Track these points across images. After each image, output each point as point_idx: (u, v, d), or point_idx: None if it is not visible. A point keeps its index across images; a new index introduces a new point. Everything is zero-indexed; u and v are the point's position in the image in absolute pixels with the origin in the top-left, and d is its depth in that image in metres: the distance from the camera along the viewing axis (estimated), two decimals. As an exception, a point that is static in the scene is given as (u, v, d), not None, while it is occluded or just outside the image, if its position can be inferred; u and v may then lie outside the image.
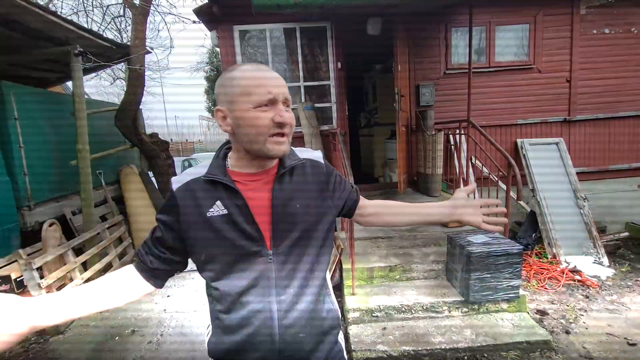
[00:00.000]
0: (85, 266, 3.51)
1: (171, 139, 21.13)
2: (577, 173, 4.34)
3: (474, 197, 0.88)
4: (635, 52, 4.58)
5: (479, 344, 2.34)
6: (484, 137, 3.61)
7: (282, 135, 0.76)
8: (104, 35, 4.58)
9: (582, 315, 2.81)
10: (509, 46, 4.59)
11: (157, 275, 0.84)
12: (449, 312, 2.68)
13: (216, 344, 0.84)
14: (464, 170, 4.04)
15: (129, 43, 4.66)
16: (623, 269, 3.60)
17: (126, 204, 5.08)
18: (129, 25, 5.61)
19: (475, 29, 4.24)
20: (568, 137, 4.66)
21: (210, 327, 0.88)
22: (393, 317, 2.65)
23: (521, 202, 4.28)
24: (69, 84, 5.74)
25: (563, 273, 3.47)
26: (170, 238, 0.81)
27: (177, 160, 7.76)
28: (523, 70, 4.58)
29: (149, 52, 5.05)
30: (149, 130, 6.16)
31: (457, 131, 4.16)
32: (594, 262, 3.71)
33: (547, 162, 4.41)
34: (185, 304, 3.28)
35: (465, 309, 2.68)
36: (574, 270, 3.53)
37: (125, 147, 5.28)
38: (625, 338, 2.47)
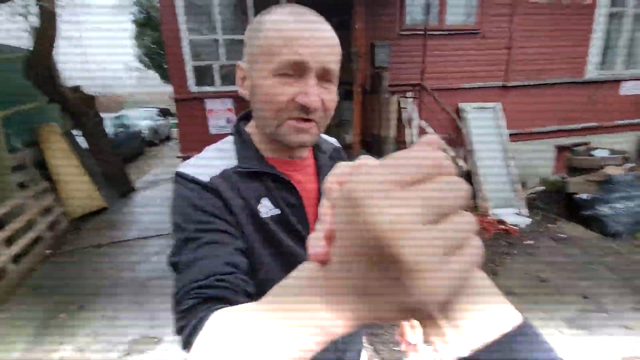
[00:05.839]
0: (11, 241, 3.10)
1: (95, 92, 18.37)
2: (510, 135, 4.82)
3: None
4: (565, 23, 4.99)
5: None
6: (433, 100, 3.77)
7: (306, 120, 0.55)
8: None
9: (506, 258, 3.31)
10: (460, 11, 4.68)
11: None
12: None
13: None
14: (415, 132, 4.24)
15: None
16: (537, 218, 4.25)
17: (50, 169, 4.46)
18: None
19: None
20: (505, 101, 5.07)
21: None
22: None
23: (461, 162, 4.68)
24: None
25: (491, 224, 3.98)
26: (237, 234, 0.56)
27: (106, 117, 6.89)
28: (470, 35, 4.75)
29: (60, -15, 4.17)
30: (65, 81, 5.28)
31: (410, 94, 4.28)
32: (515, 213, 4.31)
33: (484, 125, 4.80)
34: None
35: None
36: (500, 221, 4.07)
37: (41, 103, 4.51)
38: (537, 275, 2.99)
